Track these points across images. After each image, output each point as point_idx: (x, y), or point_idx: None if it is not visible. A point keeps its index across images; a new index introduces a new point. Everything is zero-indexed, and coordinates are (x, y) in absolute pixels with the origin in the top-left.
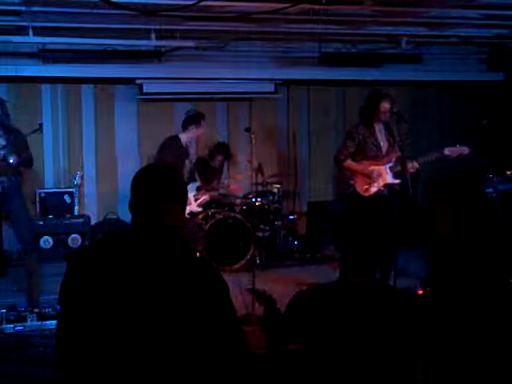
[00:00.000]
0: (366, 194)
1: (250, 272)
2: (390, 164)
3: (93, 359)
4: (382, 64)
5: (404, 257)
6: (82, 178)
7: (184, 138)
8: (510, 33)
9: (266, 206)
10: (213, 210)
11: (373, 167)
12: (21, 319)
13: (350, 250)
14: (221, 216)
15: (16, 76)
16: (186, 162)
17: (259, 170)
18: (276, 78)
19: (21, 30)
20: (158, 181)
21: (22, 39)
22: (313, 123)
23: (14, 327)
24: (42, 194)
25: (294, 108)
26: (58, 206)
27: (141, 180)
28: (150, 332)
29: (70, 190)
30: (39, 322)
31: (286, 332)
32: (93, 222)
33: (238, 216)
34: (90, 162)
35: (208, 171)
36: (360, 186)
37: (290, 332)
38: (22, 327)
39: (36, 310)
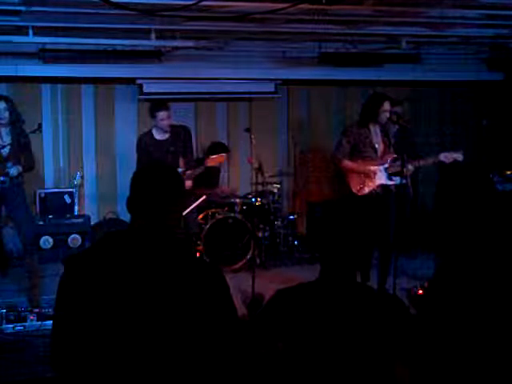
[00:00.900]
0: (360, 194)
1: (250, 272)
2: (385, 165)
3: (91, 363)
4: (381, 64)
5: (404, 257)
6: (82, 177)
7: (156, 129)
8: (510, 33)
9: (266, 206)
10: (213, 210)
11: (367, 167)
12: (21, 319)
13: (326, 251)
14: (221, 216)
15: (16, 76)
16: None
17: (259, 169)
18: (276, 78)
19: (21, 30)
20: (157, 181)
21: (21, 39)
22: (313, 123)
23: (14, 327)
24: (42, 194)
25: (294, 108)
26: (57, 206)
27: (139, 180)
28: (151, 334)
29: (70, 190)
30: (39, 322)
31: (265, 330)
32: (93, 221)
33: (238, 216)
34: (89, 162)
35: (207, 171)
36: (354, 186)
37: (269, 330)
38: (21, 327)
39: (36, 310)
